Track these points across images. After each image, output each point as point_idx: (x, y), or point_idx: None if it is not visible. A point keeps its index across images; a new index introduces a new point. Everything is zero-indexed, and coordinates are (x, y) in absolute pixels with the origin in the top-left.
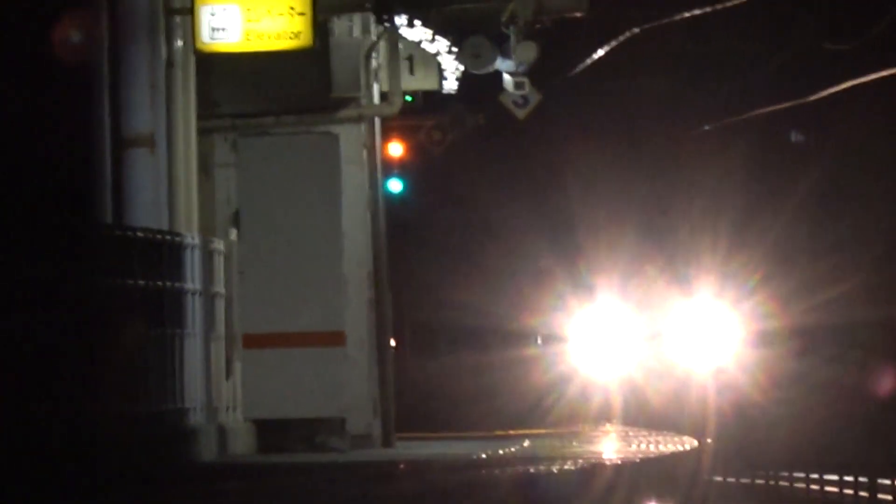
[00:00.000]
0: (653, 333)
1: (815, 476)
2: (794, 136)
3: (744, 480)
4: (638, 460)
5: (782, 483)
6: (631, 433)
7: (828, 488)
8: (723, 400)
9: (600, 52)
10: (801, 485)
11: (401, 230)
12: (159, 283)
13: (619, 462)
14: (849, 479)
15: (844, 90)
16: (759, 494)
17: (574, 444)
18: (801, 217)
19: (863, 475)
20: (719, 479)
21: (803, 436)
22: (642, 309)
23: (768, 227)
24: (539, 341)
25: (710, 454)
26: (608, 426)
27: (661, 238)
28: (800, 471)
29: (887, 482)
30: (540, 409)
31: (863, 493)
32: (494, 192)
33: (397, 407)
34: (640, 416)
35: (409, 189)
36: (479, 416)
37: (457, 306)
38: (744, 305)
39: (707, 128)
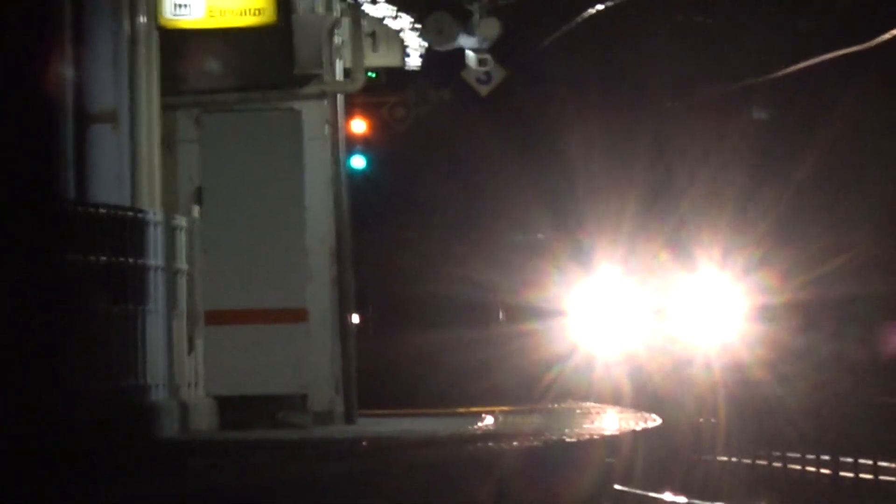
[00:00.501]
0: (656, 308)
1: (814, 457)
2: (756, 113)
3: (746, 461)
4: (597, 437)
5: (791, 466)
6: (597, 410)
7: (823, 470)
8: (727, 376)
9: (596, 9)
10: (797, 466)
11: (364, 206)
12: (122, 259)
13: (580, 438)
14: (847, 460)
15: (842, 66)
16: (762, 475)
17: (538, 420)
18: (806, 190)
19: (866, 457)
20: (723, 458)
21: (809, 413)
22: (645, 283)
23: (773, 199)
24: (501, 317)
25: (714, 433)
26: (574, 403)
27: (664, 211)
28: (803, 451)
29: (888, 465)
30: (520, 387)
31: (866, 476)
32: (487, 162)
33: (360, 384)
34: (642, 393)
35: (372, 165)
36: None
37: (423, 282)
38: (747, 280)
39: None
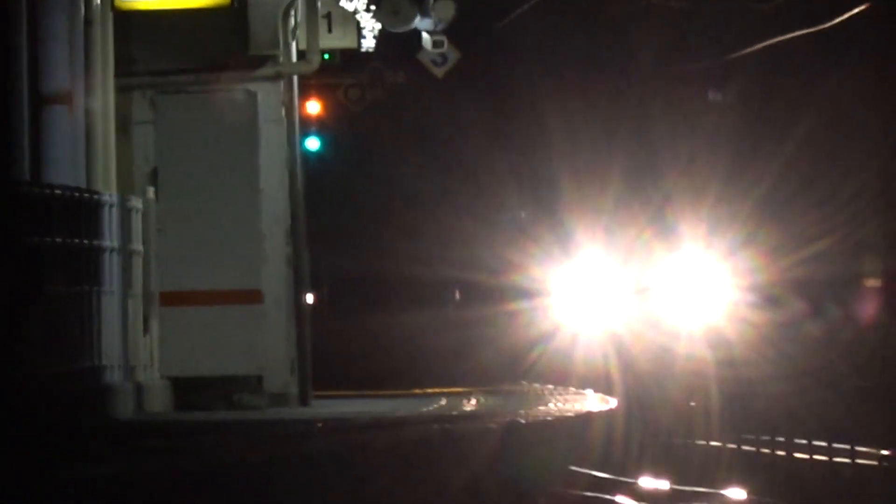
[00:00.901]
0: (640, 288)
1: (804, 443)
2: (712, 95)
3: (730, 445)
4: (549, 419)
5: (777, 452)
6: (555, 392)
7: (803, 455)
8: (712, 357)
9: None
10: (782, 452)
11: (320, 188)
12: (77, 240)
13: (533, 420)
14: (841, 446)
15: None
16: (744, 460)
17: (493, 402)
18: (793, 169)
19: (842, 442)
20: (704, 442)
21: (795, 398)
22: (628, 262)
23: (759, 177)
24: (457, 297)
25: (699, 417)
26: (533, 385)
27: (648, 188)
28: (788, 436)
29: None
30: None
31: (842, 459)
32: (460, 141)
33: (315, 365)
34: (627, 374)
35: (327, 147)
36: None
37: (377, 263)
38: (733, 259)
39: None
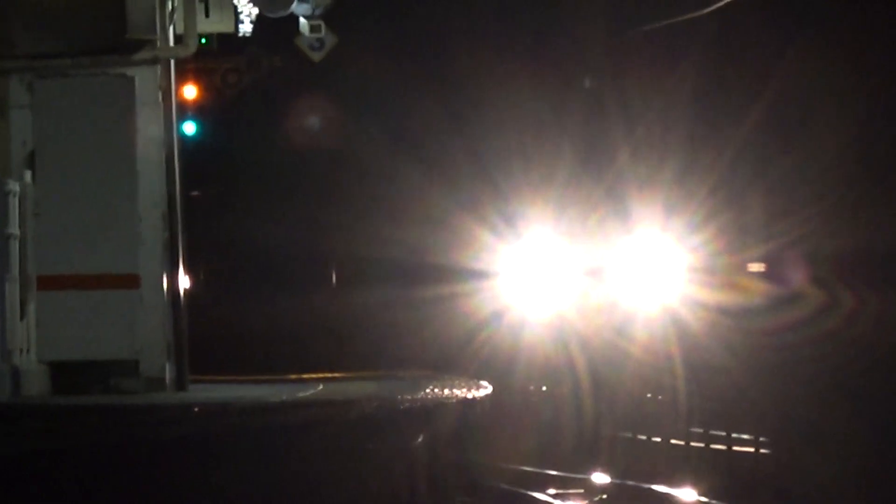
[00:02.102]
0: (592, 269)
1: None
2: (588, 82)
3: (677, 442)
4: (424, 405)
5: (735, 448)
6: (431, 378)
7: (748, 449)
8: (669, 342)
9: None
10: (746, 448)
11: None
12: None
13: (406, 405)
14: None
15: None
16: (696, 455)
17: (369, 388)
18: (751, 146)
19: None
20: (656, 439)
21: (755, 388)
22: (580, 242)
23: (717, 156)
24: (335, 280)
25: (655, 409)
26: (415, 371)
27: (600, 165)
28: (746, 430)
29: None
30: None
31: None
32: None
33: (193, 350)
34: (579, 357)
35: (203, 131)
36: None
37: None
38: (690, 240)
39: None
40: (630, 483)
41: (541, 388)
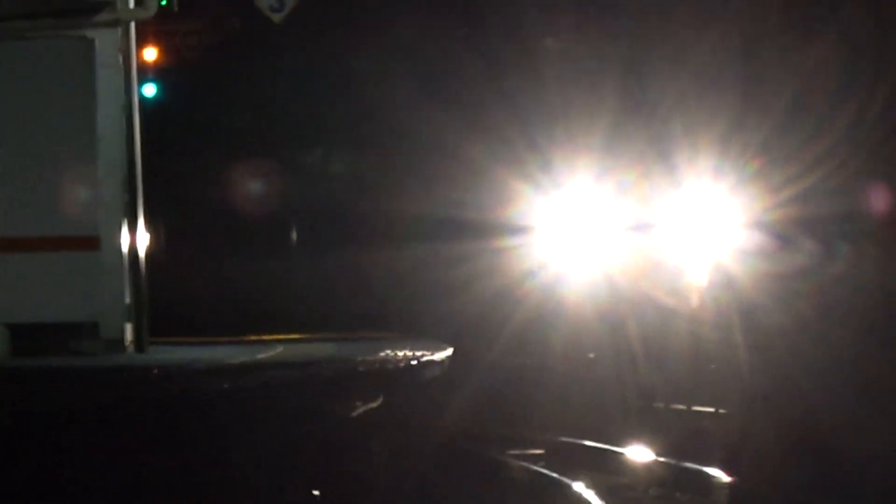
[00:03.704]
0: (638, 224)
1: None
2: (549, 42)
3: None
4: (385, 366)
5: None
6: (394, 340)
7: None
8: (720, 305)
9: None
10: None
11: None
12: None
13: (366, 366)
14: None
15: None
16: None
17: (327, 349)
18: (805, 95)
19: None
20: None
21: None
22: (625, 197)
23: (770, 105)
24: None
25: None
26: (380, 333)
27: (647, 113)
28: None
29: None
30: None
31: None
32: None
33: (153, 312)
34: (629, 321)
35: (164, 93)
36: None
37: (219, 210)
38: (741, 195)
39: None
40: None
41: (585, 354)
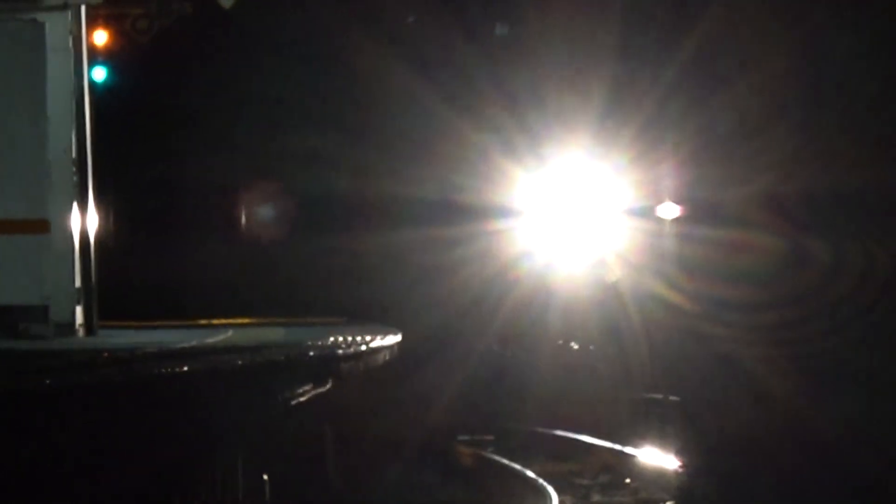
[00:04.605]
0: (634, 208)
1: None
2: (499, 29)
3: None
4: (334, 351)
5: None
6: (344, 325)
7: None
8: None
9: None
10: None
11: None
12: None
13: (315, 351)
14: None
15: None
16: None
17: (276, 334)
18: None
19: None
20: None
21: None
22: (621, 176)
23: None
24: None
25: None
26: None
27: (636, 94)
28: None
29: None
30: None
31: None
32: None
33: (103, 295)
34: (626, 310)
35: (114, 76)
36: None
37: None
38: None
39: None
40: (539, 430)
41: (570, 344)
